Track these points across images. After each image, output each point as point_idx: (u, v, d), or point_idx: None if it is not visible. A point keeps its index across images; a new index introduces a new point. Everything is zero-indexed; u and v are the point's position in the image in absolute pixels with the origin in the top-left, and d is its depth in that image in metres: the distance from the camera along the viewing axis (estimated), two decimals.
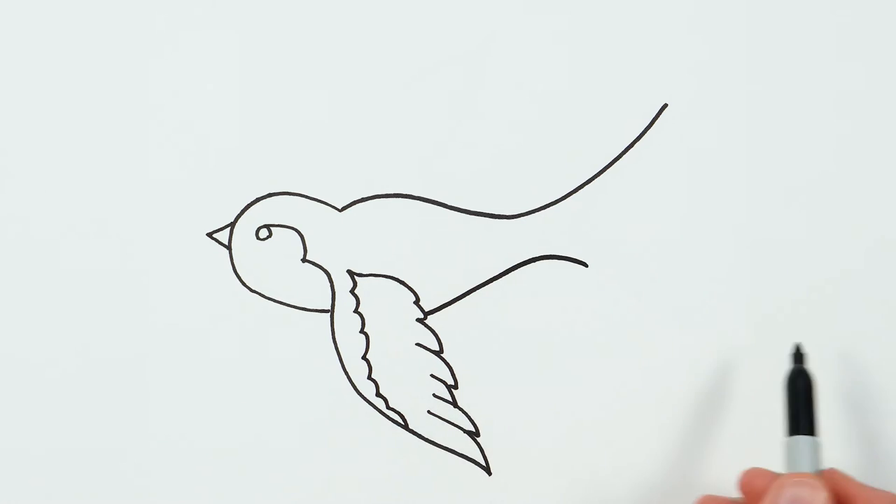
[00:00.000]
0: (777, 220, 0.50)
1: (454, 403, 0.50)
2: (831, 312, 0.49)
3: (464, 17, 0.52)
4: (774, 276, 0.50)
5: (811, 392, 0.44)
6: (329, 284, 0.51)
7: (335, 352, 0.51)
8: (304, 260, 0.51)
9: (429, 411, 0.50)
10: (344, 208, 0.52)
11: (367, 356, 0.51)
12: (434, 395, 0.50)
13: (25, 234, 0.52)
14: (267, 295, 0.51)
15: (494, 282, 0.51)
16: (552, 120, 0.51)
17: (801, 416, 0.44)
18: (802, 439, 0.44)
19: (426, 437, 0.50)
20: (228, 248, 0.52)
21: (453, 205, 0.51)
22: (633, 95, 0.51)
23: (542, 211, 0.51)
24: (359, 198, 0.52)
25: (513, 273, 0.51)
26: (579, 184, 0.51)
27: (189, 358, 0.51)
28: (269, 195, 0.52)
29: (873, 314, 0.49)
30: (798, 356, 0.46)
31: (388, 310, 0.51)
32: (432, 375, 0.50)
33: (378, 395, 0.50)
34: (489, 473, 0.50)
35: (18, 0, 0.53)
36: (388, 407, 0.50)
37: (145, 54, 0.53)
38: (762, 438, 0.49)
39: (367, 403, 0.50)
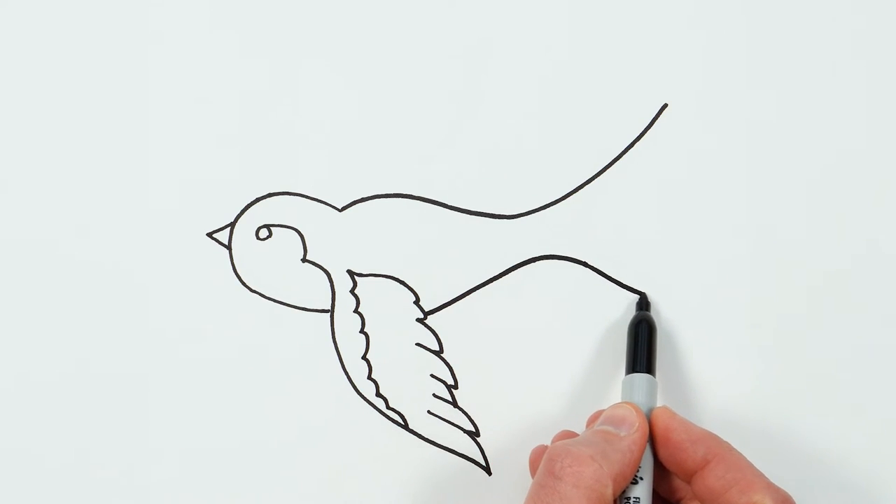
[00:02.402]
0: (777, 219, 0.50)
1: (454, 403, 0.50)
2: (830, 312, 0.49)
3: (464, 17, 0.52)
4: (774, 276, 0.50)
5: (652, 336, 0.47)
6: (329, 284, 0.51)
7: (335, 352, 0.51)
8: (304, 260, 0.51)
9: (429, 411, 0.50)
10: (344, 208, 0.52)
11: (367, 356, 0.51)
12: (434, 395, 0.50)
13: (25, 233, 0.52)
14: (267, 295, 0.51)
15: (494, 282, 0.51)
16: (552, 120, 0.51)
17: (640, 356, 0.47)
18: (638, 376, 0.46)
19: (426, 437, 0.50)
20: (228, 248, 0.52)
21: (453, 205, 0.51)
22: (633, 95, 0.51)
23: (542, 211, 0.51)
24: (359, 198, 0.52)
25: (513, 273, 0.51)
26: (579, 184, 0.51)
27: (189, 358, 0.51)
28: (269, 195, 0.52)
29: (872, 314, 0.49)
30: (642, 304, 0.49)
31: (388, 310, 0.51)
32: (432, 375, 0.50)
33: (378, 395, 0.50)
34: (489, 473, 0.50)
35: (20, 1, 0.53)
36: (388, 407, 0.50)
37: (146, 54, 0.53)
38: (761, 435, 0.49)
39: (367, 403, 0.50)
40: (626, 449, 0.43)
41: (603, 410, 0.45)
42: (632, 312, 0.50)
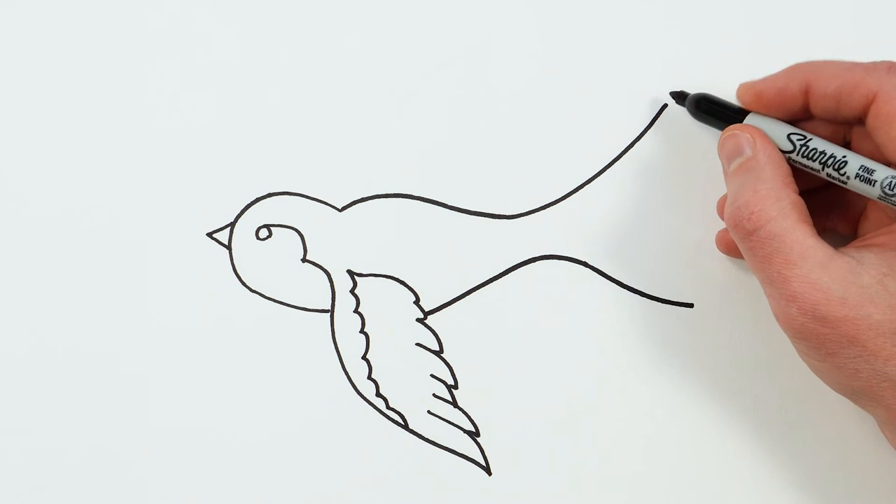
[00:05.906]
0: None
1: (454, 403, 0.50)
2: None
3: (464, 18, 0.52)
4: None
5: (713, 97, 0.48)
6: (329, 284, 0.51)
7: (335, 352, 0.51)
8: (304, 260, 0.51)
9: (429, 411, 0.50)
10: (344, 208, 0.52)
11: (367, 356, 0.51)
12: (434, 395, 0.50)
13: (26, 233, 0.52)
14: (267, 295, 0.51)
15: (494, 282, 0.51)
16: (552, 120, 0.51)
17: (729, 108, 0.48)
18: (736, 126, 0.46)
19: (426, 437, 0.50)
20: (228, 248, 0.52)
21: (453, 205, 0.51)
22: (632, 95, 0.51)
23: (542, 211, 0.51)
24: (359, 198, 0.52)
25: (513, 273, 0.51)
26: (579, 184, 0.51)
27: (189, 358, 0.51)
28: (269, 195, 0.52)
29: None
30: (679, 95, 0.50)
31: (388, 310, 0.51)
32: (432, 375, 0.50)
33: (378, 395, 0.50)
34: (489, 473, 0.50)
35: (21, 1, 0.53)
36: (388, 407, 0.50)
37: (146, 54, 0.53)
38: (762, 434, 0.49)
39: (367, 403, 0.50)
40: (765, 159, 0.44)
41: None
42: (633, 310, 0.50)
